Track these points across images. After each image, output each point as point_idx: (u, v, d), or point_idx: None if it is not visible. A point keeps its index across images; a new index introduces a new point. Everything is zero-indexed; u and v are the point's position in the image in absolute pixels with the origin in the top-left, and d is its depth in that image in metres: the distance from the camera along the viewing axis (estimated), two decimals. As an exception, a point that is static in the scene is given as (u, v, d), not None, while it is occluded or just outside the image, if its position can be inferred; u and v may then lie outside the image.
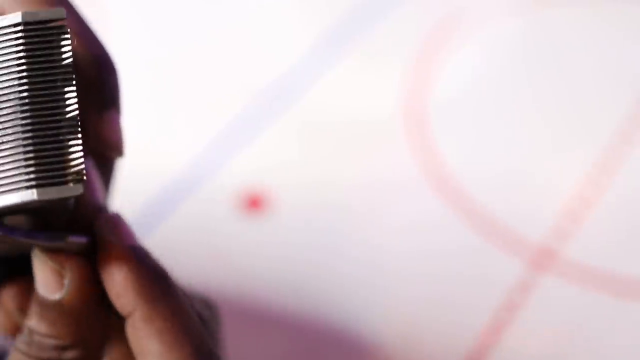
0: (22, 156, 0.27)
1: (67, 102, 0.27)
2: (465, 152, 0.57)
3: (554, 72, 0.62)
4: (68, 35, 0.27)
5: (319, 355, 0.47)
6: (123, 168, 0.59)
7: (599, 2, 0.66)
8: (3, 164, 0.26)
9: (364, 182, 0.55)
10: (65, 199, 0.27)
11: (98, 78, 0.31)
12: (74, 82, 0.27)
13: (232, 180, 0.55)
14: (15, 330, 0.34)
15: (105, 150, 0.32)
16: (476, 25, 0.64)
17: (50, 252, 0.30)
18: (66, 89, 0.27)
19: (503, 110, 0.59)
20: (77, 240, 0.30)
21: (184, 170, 0.56)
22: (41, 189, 0.26)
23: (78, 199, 0.29)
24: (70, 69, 0.27)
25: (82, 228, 0.31)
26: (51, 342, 0.30)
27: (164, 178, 0.55)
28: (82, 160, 0.27)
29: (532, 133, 0.58)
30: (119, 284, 0.30)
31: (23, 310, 0.33)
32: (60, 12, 0.27)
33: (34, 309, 0.30)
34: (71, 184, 0.27)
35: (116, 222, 0.31)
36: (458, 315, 0.49)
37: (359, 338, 0.48)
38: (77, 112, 0.27)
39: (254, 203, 0.54)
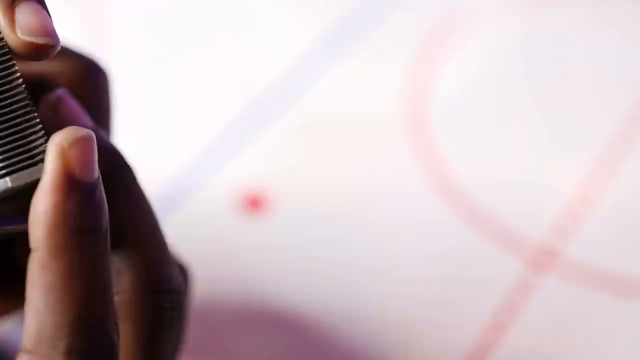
0: None
1: (14, 84, 0.27)
2: (465, 152, 0.57)
3: (554, 72, 0.62)
4: None
5: (319, 355, 0.47)
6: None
7: (599, 2, 0.66)
8: None
9: (364, 182, 0.55)
10: (38, 181, 0.26)
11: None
12: (12, 62, 0.27)
13: (233, 181, 0.55)
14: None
15: (37, 43, 0.26)
16: (477, 25, 0.64)
17: None
18: (6, 70, 0.27)
19: (503, 110, 0.59)
20: None
21: (184, 171, 0.56)
22: (13, 176, 0.26)
23: None
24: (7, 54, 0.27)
25: None
26: None
27: (164, 178, 0.55)
28: (44, 140, 0.27)
29: (532, 133, 0.58)
30: (35, 211, 0.25)
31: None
32: None
33: None
34: (41, 165, 0.27)
35: (84, 142, 0.26)
36: (459, 316, 0.49)
37: (358, 338, 0.48)
38: (25, 92, 0.27)
39: (254, 204, 0.54)
